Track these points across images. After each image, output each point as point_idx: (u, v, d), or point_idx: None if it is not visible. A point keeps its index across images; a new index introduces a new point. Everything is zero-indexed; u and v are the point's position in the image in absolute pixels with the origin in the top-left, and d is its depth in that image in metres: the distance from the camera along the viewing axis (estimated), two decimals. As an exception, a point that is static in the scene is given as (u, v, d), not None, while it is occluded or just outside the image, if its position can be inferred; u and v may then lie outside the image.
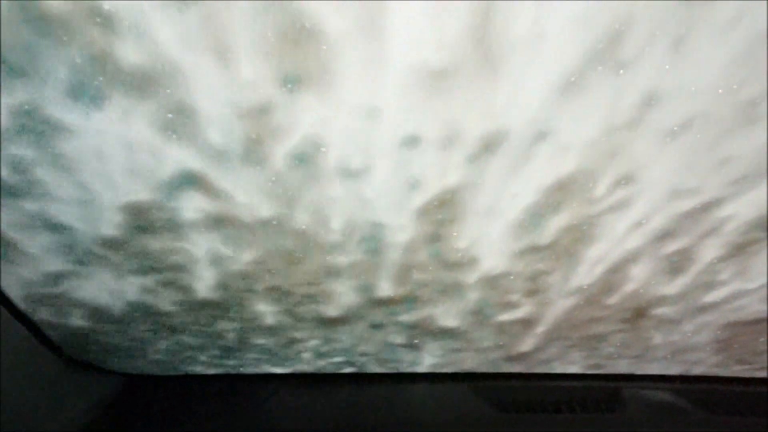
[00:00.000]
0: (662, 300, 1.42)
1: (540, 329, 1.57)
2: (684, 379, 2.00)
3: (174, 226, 1.12)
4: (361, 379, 1.97)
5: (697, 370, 1.90)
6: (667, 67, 0.82)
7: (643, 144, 0.96)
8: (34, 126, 0.89)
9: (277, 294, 1.35)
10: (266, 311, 1.43)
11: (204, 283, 1.30)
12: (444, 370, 1.91)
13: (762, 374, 1.91)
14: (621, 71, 0.83)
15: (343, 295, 1.36)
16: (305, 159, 0.98)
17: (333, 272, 1.27)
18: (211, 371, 1.90)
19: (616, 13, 0.76)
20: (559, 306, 1.45)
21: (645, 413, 1.95)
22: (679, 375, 1.96)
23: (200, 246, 1.17)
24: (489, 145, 0.96)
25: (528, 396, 1.97)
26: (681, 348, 1.72)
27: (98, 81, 0.84)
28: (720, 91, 0.86)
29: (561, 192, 1.07)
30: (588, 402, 1.97)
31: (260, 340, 1.61)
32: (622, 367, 1.88)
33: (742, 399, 2.00)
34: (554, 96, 0.87)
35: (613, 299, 1.41)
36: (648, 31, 0.78)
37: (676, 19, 0.76)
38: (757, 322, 1.52)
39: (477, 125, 0.92)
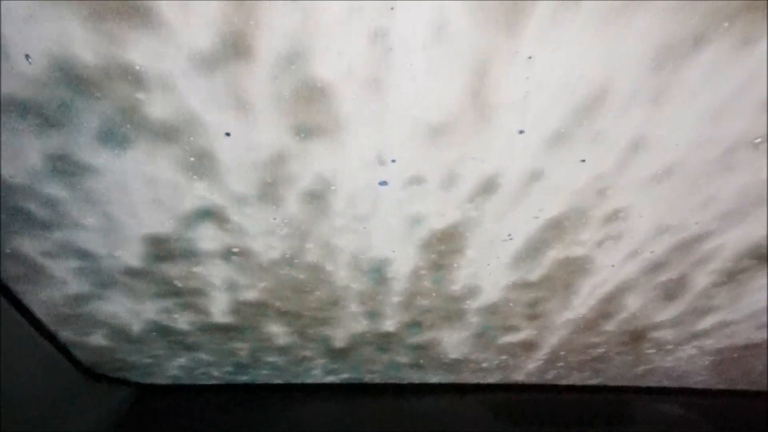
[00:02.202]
0: (659, 324, 1.47)
1: (542, 352, 1.63)
2: (691, 393, 2.01)
3: (192, 255, 1.19)
4: (372, 390, 2.00)
5: (702, 386, 1.92)
6: (647, 120, 0.89)
7: (631, 185, 1.03)
8: (66, 168, 0.97)
9: (288, 318, 1.42)
10: (278, 332, 1.51)
11: (219, 307, 1.37)
12: (451, 382, 1.95)
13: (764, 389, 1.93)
14: (604, 124, 0.90)
15: (351, 320, 1.43)
16: (316, 196, 1.05)
17: (341, 300, 1.34)
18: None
19: (598, 76, 0.83)
20: (559, 331, 1.50)
21: (652, 426, 1.96)
22: (686, 388, 1.97)
23: (216, 274, 1.25)
24: (487, 186, 1.03)
25: (535, 409, 2.00)
26: (681, 372, 1.76)
27: (126, 128, 0.91)
28: (696, 142, 0.93)
29: (556, 227, 1.13)
30: (595, 415, 1.99)
31: (271, 358, 1.68)
32: (628, 381, 1.91)
33: (749, 413, 2.01)
34: (545, 144, 0.94)
35: (610, 325, 1.47)
36: (627, 92, 0.85)
37: (651, 82, 0.83)
38: (753, 346, 1.56)
39: (475, 169, 0.99)
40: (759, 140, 0.93)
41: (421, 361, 1.71)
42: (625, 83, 0.83)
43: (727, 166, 0.96)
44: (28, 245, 1.13)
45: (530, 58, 0.81)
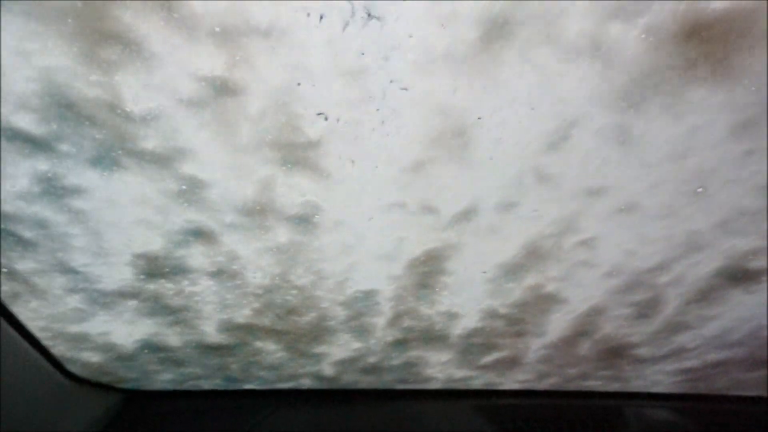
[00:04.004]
0: (633, 342, 1.51)
1: (525, 367, 1.66)
2: (684, 398, 2.01)
3: (182, 275, 1.21)
4: (365, 395, 2.00)
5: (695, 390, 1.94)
6: (611, 159, 0.94)
7: (599, 216, 1.08)
8: (55, 190, 0.99)
9: (278, 335, 1.44)
10: (268, 349, 1.53)
11: (210, 325, 1.39)
12: (439, 388, 1.95)
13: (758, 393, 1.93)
14: (573, 161, 0.95)
15: (341, 339, 1.46)
16: (303, 221, 1.07)
17: (330, 320, 1.36)
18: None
19: (565, 113, 0.87)
20: (539, 347, 1.54)
21: (647, 430, 1.96)
22: (679, 393, 1.97)
23: (207, 292, 1.27)
24: (465, 215, 1.07)
25: (528, 413, 2.00)
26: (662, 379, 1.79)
27: (116, 153, 0.93)
28: (654, 182, 0.99)
29: (531, 253, 1.17)
30: (589, 419, 1.99)
31: (262, 373, 1.69)
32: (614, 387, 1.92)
33: (742, 417, 2.01)
34: (516, 180, 1.00)
35: (586, 342, 1.50)
36: (593, 129, 0.89)
37: (615, 123, 0.87)
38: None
39: (453, 199, 1.03)
40: (701, 190, 1.02)
41: (409, 378, 1.73)
42: (591, 120, 0.87)
43: (679, 205, 1.02)
44: (22, 264, 1.15)
45: (498, 109, 0.85)
